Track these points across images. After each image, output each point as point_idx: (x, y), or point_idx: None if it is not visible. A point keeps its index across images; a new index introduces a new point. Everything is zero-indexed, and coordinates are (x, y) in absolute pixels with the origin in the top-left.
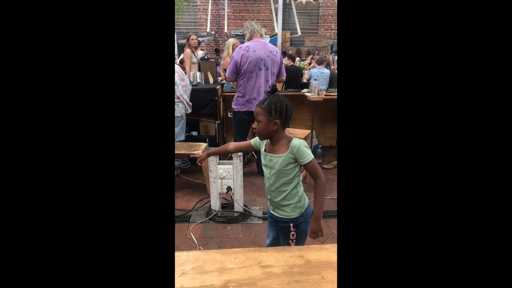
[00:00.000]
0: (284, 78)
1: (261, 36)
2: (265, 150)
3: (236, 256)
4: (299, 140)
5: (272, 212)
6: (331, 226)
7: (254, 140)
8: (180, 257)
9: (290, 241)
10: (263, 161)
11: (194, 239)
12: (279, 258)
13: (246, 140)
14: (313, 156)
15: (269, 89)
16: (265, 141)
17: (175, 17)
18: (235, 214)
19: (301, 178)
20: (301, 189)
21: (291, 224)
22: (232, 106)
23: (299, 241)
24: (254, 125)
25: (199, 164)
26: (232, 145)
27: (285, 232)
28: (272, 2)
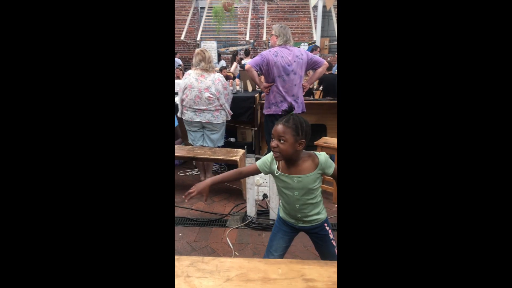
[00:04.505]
0: (322, 65)
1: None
2: (283, 172)
3: (279, 266)
4: (322, 153)
5: (299, 225)
6: None
7: (265, 165)
8: (225, 263)
9: (332, 241)
10: (282, 184)
11: (230, 244)
12: (323, 273)
13: None
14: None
15: (286, 108)
16: (275, 163)
17: (217, 27)
18: (270, 222)
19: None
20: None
21: (325, 224)
22: (263, 112)
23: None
24: (275, 144)
25: (204, 200)
26: (236, 171)
27: (322, 238)
28: (311, 10)
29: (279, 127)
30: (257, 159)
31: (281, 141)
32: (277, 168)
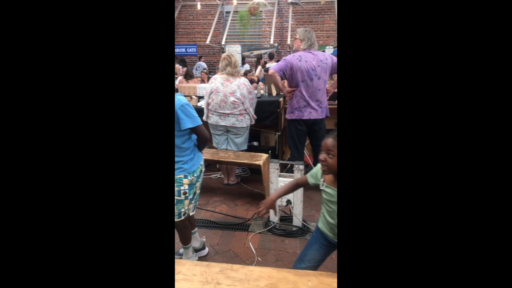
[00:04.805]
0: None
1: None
2: (328, 184)
3: (309, 278)
4: None
5: (336, 241)
6: None
7: (312, 177)
8: (254, 272)
9: None
10: (326, 196)
11: (253, 249)
12: None
13: (303, 152)
14: None
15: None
16: (320, 174)
17: (242, 31)
18: (294, 228)
19: None
20: None
21: None
22: (286, 117)
23: None
24: (323, 157)
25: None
26: (294, 183)
27: None
28: (337, 12)
29: (329, 140)
30: (281, 164)
31: (330, 156)
32: (323, 180)
